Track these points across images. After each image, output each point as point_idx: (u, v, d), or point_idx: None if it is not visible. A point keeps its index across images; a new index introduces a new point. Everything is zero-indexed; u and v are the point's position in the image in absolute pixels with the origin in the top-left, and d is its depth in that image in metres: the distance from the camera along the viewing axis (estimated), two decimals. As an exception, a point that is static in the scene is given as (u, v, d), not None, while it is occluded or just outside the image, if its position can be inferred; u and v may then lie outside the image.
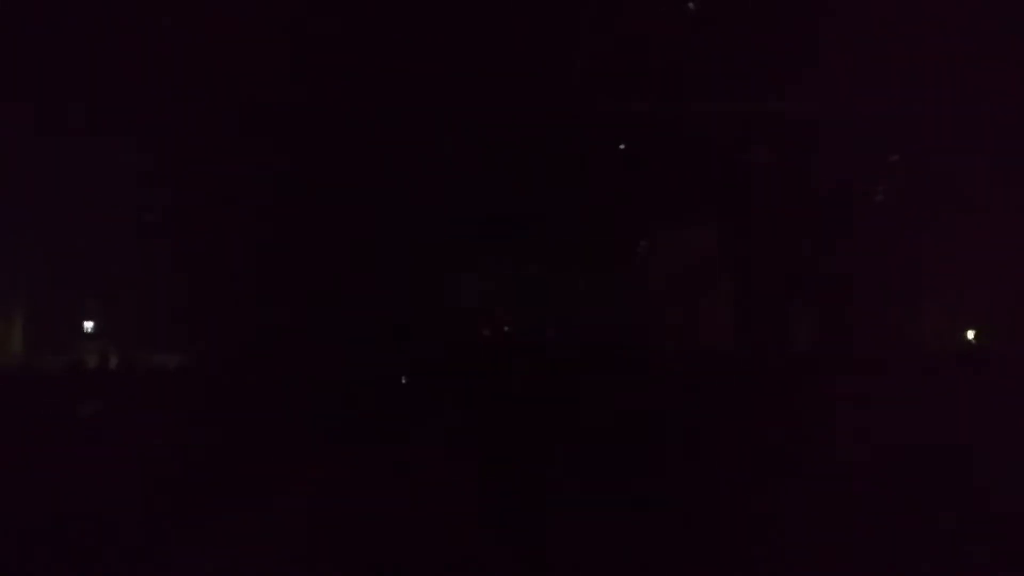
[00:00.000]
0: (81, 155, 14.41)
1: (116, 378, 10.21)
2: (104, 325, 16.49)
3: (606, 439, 6.22)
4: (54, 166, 14.39)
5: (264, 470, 5.51)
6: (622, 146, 15.21)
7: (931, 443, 5.90)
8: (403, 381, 7.31)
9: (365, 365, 9.72)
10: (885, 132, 13.85)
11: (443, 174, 14.81)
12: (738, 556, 4.48)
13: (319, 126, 14.75)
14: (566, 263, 15.61)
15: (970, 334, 14.79)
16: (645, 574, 4.44)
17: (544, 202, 14.96)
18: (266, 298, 14.96)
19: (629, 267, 15.32)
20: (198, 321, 14.99)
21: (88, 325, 16.68)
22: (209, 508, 4.99)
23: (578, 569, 4.41)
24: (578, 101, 14.50)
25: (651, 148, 14.86)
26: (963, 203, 13.64)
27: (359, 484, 5.18)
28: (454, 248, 15.18)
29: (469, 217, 15.01)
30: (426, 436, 5.61)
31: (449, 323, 14.17)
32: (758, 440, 6.15)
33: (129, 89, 13.97)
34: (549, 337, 13.92)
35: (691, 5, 14.28)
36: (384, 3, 14.10)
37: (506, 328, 13.84)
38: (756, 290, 14.60)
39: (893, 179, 14.67)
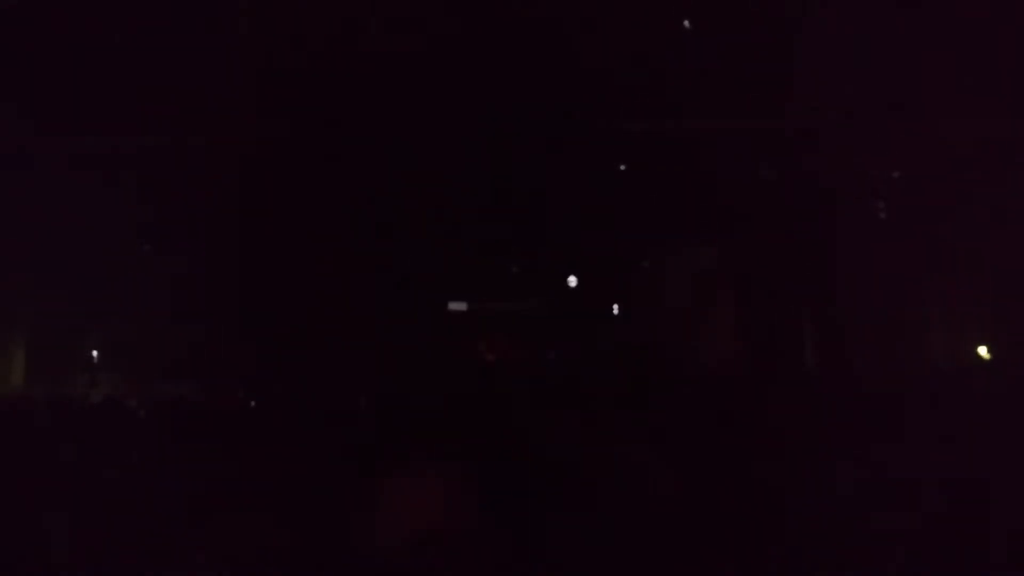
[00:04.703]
0: (82, 178, 14.45)
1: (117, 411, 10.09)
2: (108, 354, 16.44)
3: (613, 461, 6.03)
4: (55, 188, 14.41)
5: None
6: (622, 167, 15.19)
7: (943, 463, 5.72)
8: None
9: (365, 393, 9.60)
10: (887, 147, 13.79)
11: (439, 195, 14.79)
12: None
13: (322, 143, 14.78)
14: (567, 282, 15.54)
15: (982, 349, 14.61)
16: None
17: (543, 223, 14.91)
18: (271, 321, 14.92)
19: (632, 288, 15.23)
20: (204, 348, 14.94)
21: (93, 354, 16.62)
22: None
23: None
24: (577, 120, 14.49)
25: (651, 167, 14.82)
26: (967, 218, 13.53)
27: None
28: (450, 271, 15.14)
29: (464, 237, 14.97)
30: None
31: (446, 347, 14.10)
32: (769, 461, 5.97)
33: (127, 111, 14.04)
34: (550, 360, 13.82)
35: (687, 23, 14.32)
36: (384, 14, 14.16)
37: (504, 352, 13.75)
38: (761, 308, 14.49)
39: (896, 194, 14.59)
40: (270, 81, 13.90)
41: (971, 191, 13.59)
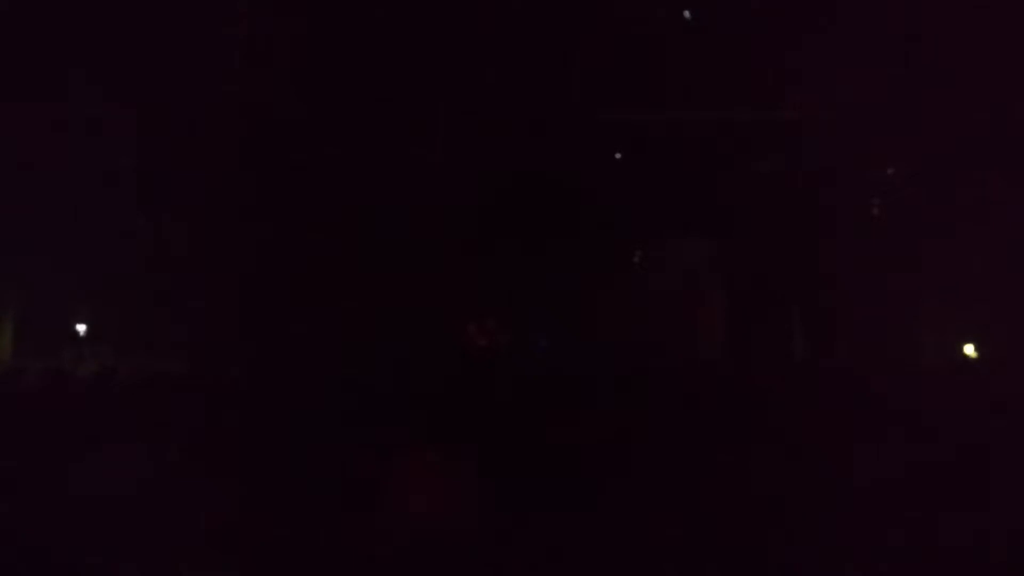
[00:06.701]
0: (72, 153, 14.34)
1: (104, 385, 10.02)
2: (96, 327, 16.30)
3: (601, 454, 6.07)
4: (44, 165, 14.31)
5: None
6: (618, 155, 15.16)
7: (932, 457, 5.78)
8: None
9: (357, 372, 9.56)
10: (883, 142, 13.80)
11: (438, 181, 14.76)
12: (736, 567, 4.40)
13: (314, 124, 14.70)
14: (560, 273, 15.50)
15: (968, 347, 14.67)
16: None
17: (538, 211, 14.89)
18: (260, 298, 14.84)
19: (624, 278, 15.22)
20: (191, 322, 14.84)
21: (80, 328, 16.48)
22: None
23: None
24: (574, 110, 14.46)
25: (647, 158, 14.80)
26: (962, 214, 13.56)
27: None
28: (445, 255, 15.09)
29: (461, 225, 14.94)
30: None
31: (437, 330, 14.06)
32: (759, 454, 6.00)
33: (118, 87, 13.95)
34: (540, 347, 13.82)
35: (687, 14, 14.30)
36: (383, 10, 14.14)
37: (496, 338, 13.73)
38: (751, 302, 14.52)
39: (891, 191, 14.61)
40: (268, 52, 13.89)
41: (963, 187, 13.64)
